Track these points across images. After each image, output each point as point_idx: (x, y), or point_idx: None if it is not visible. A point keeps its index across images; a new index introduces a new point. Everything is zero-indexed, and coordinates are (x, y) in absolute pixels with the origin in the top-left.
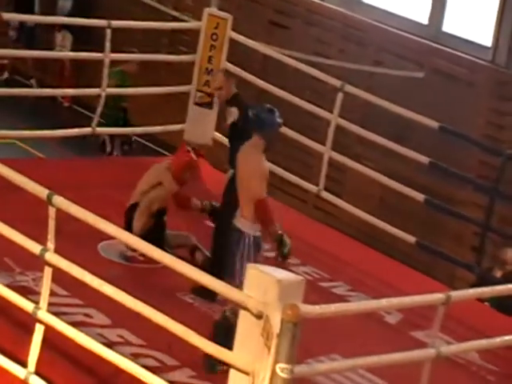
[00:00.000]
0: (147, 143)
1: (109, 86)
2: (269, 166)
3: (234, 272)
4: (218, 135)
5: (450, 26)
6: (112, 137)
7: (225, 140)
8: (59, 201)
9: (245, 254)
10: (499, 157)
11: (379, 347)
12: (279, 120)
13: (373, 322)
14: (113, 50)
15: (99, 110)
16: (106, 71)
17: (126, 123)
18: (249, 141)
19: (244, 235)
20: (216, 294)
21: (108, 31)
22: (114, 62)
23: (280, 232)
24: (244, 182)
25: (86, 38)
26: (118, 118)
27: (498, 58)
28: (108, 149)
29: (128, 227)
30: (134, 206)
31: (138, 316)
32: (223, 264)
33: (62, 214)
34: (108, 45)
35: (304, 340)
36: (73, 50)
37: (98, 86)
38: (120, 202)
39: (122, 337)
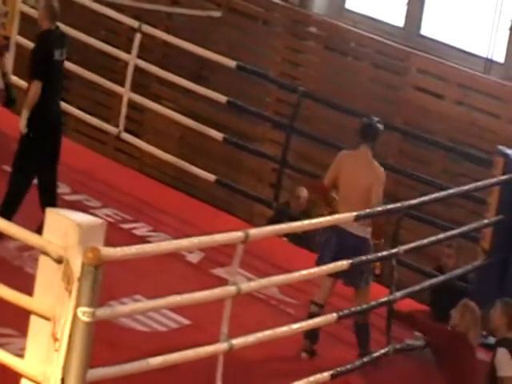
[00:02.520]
0: None
1: None
2: (66, 107)
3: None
4: (14, 78)
5: None
6: None
7: (21, 83)
8: None
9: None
10: (294, 94)
11: (182, 286)
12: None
13: (175, 261)
14: None
15: None
16: None
17: None
18: (357, 150)
19: (370, 242)
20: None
21: None
22: None
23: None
24: (366, 188)
25: None
26: None
27: None
28: None
29: None
30: None
31: None
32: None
33: None
34: None
35: (107, 282)
36: None
37: None
38: None
39: None
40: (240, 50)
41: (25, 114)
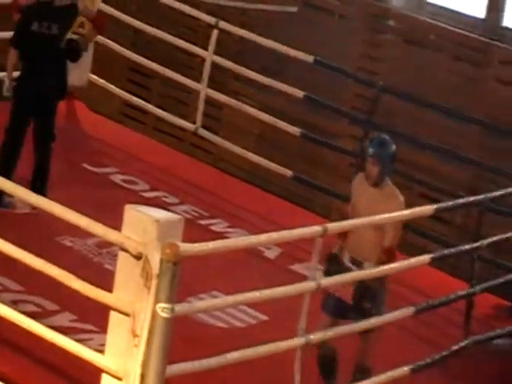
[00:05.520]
0: None
1: None
2: (143, 104)
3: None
4: (94, 77)
5: None
6: None
7: (100, 81)
8: None
9: None
10: (373, 88)
11: (260, 282)
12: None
13: (253, 257)
14: None
15: None
16: None
17: None
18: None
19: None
20: None
21: None
22: None
23: None
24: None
25: None
26: None
27: None
28: None
29: None
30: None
31: (15, 262)
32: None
33: None
34: None
35: (185, 278)
36: None
37: None
38: None
39: (0, 284)
40: (316, 44)
41: (5, 79)
